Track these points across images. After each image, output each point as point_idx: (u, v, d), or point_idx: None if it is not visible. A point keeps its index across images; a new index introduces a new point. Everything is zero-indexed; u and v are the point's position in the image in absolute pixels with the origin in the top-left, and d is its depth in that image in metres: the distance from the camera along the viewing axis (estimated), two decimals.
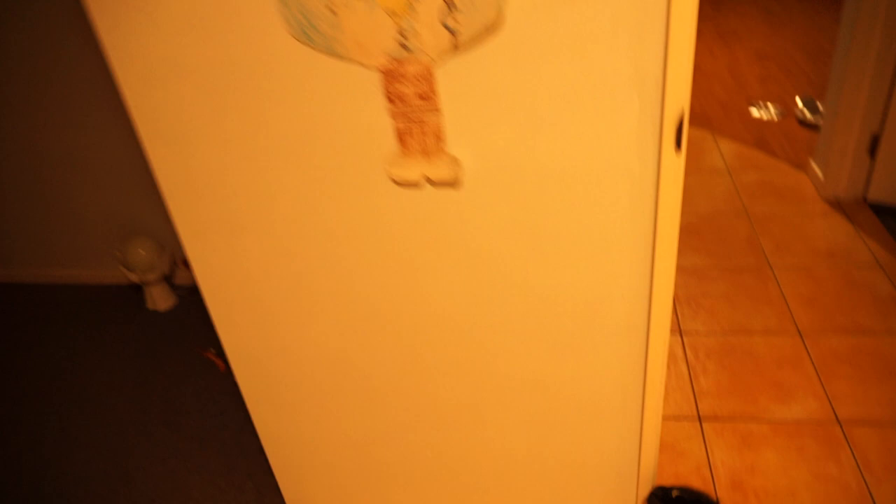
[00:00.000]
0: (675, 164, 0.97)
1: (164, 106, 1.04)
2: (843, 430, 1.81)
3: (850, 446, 1.77)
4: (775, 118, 3.44)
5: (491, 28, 0.90)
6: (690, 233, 2.66)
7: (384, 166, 1.04)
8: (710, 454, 1.80)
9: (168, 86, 1.01)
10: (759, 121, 3.44)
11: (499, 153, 1.01)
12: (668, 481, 1.73)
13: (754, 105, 3.58)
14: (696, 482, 1.73)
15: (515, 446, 1.40)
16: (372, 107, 0.99)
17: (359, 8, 0.90)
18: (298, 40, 0.94)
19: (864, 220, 2.61)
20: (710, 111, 3.59)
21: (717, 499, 1.67)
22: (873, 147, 2.60)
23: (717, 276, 2.42)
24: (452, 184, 1.05)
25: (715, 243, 2.59)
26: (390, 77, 0.96)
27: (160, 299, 2.64)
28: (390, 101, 0.98)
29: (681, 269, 2.47)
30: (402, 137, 1.02)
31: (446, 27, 0.90)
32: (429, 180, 1.05)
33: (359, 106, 1.00)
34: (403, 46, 0.93)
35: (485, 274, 1.14)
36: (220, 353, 2.34)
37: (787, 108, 3.51)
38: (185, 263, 2.27)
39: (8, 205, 2.69)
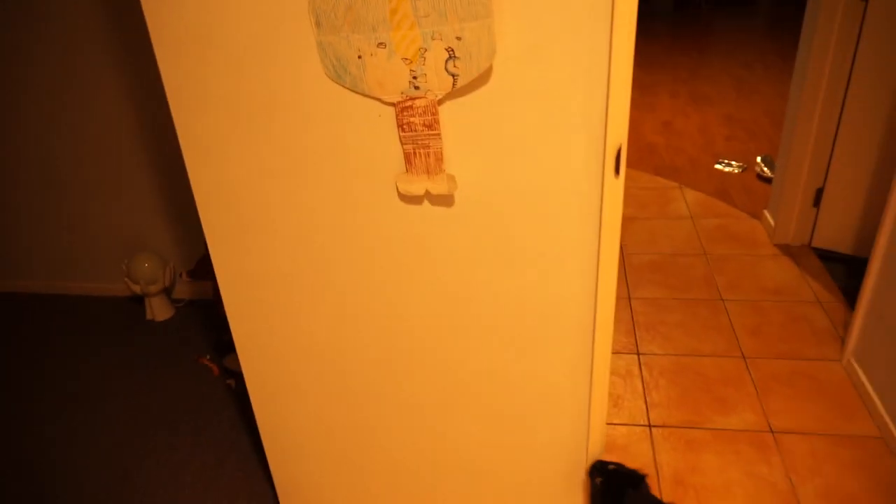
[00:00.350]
0: (614, 186, 1.22)
1: (207, 130, 1.28)
2: (774, 438, 2.04)
3: (779, 451, 1.99)
4: (737, 172, 3.76)
5: (483, 76, 1.16)
6: (653, 269, 2.92)
7: (394, 182, 1.29)
8: (656, 455, 2.01)
9: (212, 112, 1.26)
10: (723, 174, 3.76)
11: (483, 174, 1.26)
12: None
13: (719, 161, 3.91)
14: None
15: (481, 431, 1.60)
16: (386, 134, 1.24)
17: (381, 55, 1.16)
18: (332, 80, 1.20)
19: (808, 264, 2.89)
20: (680, 164, 3.91)
21: (661, 496, 1.87)
22: (817, 199, 2.90)
23: (675, 306, 2.67)
24: (450, 197, 1.29)
25: (674, 278, 2.84)
26: (402, 110, 1.22)
27: (159, 311, 2.84)
28: (401, 129, 1.24)
29: (642, 300, 2.72)
30: (409, 159, 1.27)
31: (449, 72, 1.17)
32: (429, 195, 1.30)
33: (375, 133, 1.25)
34: (415, 86, 1.19)
35: (462, 279, 1.38)
36: (215, 360, 2.53)
37: (748, 165, 3.83)
38: (189, 274, 2.48)
39: (24, 222, 2.90)
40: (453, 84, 1.17)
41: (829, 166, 2.82)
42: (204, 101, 1.26)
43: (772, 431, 2.06)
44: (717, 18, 7.26)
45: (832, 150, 2.78)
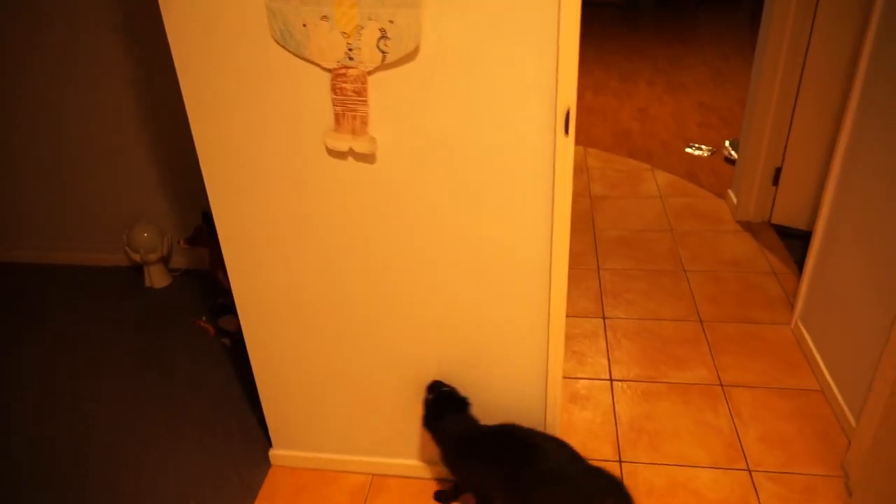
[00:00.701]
0: (565, 144, 1.40)
1: (210, 91, 1.45)
2: (723, 390, 2.24)
3: (727, 401, 2.19)
4: (706, 156, 3.96)
5: (410, 55, 1.34)
6: (622, 243, 3.11)
7: (322, 138, 1.47)
8: (616, 405, 2.20)
9: (207, 81, 1.43)
10: (693, 157, 3.95)
11: (409, 134, 1.44)
12: (580, 425, 2.13)
13: (690, 145, 4.10)
14: (603, 424, 2.13)
15: (451, 365, 1.79)
16: (322, 95, 1.42)
17: (323, 26, 1.33)
18: (278, 43, 1.38)
19: (766, 239, 3.09)
20: (652, 148, 4.10)
21: (618, 441, 2.06)
22: (776, 178, 3.10)
23: (640, 276, 2.87)
24: (371, 157, 1.48)
25: (641, 252, 3.04)
26: (337, 77, 1.40)
27: (157, 279, 3.00)
28: (334, 92, 1.42)
29: (610, 270, 2.91)
30: (337, 119, 1.45)
31: (380, 49, 1.35)
32: (353, 152, 1.48)
33: (313, 93, 1.42)
34: (349, 57, 1.37)
35: (426, 225, 1.56)
36: (210, 321, 2.71)
37: (717, 149, 4.03)
38: (186, 242, 2.63)
39: (30, 194, 3.05)
40: (382, 60, 1.36)
41: (786, 147, 3.02)
42: (208, 65, 1.43)
43: (721, 385, 2.26)
44: (701, 13, 7.45)
45: (789, 132, 2.97)
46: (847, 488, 1.86)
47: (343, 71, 1.38)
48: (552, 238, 1.52)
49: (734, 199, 3.29)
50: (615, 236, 3.17)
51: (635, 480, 1.93)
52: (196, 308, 2.83)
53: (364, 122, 1.44)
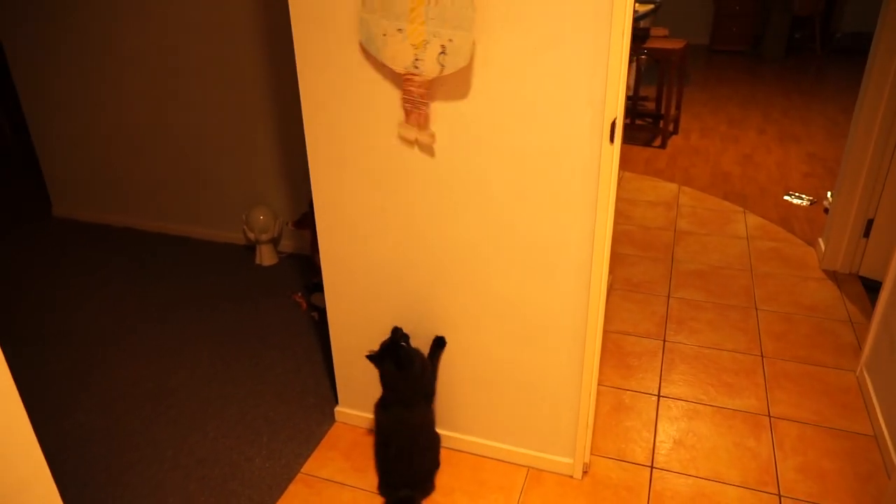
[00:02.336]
0: (609, 151, 1.59)
1: (321, 85, 1.77)
2: (770, 421, 2.27)
3: (771, 431, 2.22)
4: (805, 204, 3.92)
5: (464, 70, 1.60)
6: (698, 276, 3.17)
7: (385, 127, 1.75)
8: (658, 418, 2.30)
9: (319, 77, 1.75)
10: (790, 205, 3.92)
11: (462, 133, 1.67)
12: (618, 430, 2.25)
13: (789, 193, 4.07)
14: (641, 432, 2.23)
15: (500, 352, 1.98)
16: (395, 93, 1.70)
17: (398, 37, 1.61)
18: (362, 46, 1.67)
19: (850, 289, 3.04)
20: (749, 192, 4.10)
21: (654, 452, 2.16)
22: (867, 230, 3.06)
23: (709, 308, 2.92)
24: (431, 149, 1.73)
25: (715, 286, 3.09)
26: (405, 80, 1.67)
27: (266, 257, 3.40)
28: (404, 92, 1.68)
29: (679, 299, 2.99)
30: (406, 114, 1.72)
31: (439, 62, 1.60)
32: (417, 142, 1.73)
33: (389, 90, 1.70)
34: (416, 66, 1.63)
35: (492, 215, 1.78)
36: (304, 297, 3.05)
37: (818, 199, 3.97)
38: (294, 224, 3.00)
39: (172, 178, 3.57)
40: (441, 71, 1.61)
41: (880, 199, 2.98)
42: (322, 63, 1.75)
43: (769, 416, 2.30)
44: (828, 66, 7.24)
45: (884, 184, 2.94)
46: None
47: (410, 76, 1.65)
48: (594, 235, 1.69)
49: (823, 248, 3.25)
50: (692, 269, 3.24)
51: (662, 485, 2.03)
52: (294, 285, 3.19)
53: (427, 119, 1.70)
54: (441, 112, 1.70)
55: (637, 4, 4.67)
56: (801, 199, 3.99)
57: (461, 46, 1.56)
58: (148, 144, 3.54)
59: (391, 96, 1.73)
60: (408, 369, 1.90)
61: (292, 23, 1.74)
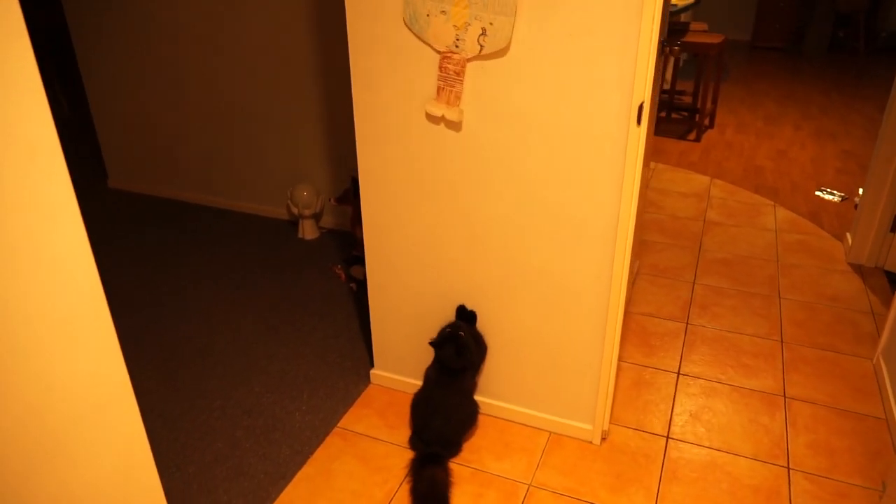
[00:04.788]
0: (636, 132, 1.71)
1: (369, 63, 1.92)
2: (785, 401, 2.37)
3: (785, 410, 2.32)
4: (836, 200, 3.95)
5: (501, 51, 1.71)
6: (723, 264, 3.26)
7: (423, 104, 1.88)
8: (676, 393, 2.41)
9: (368, 57, 1.89)
10: (821, 200, 3.96)
11: (491, 111, 1.80)
12: (637, 402, 2.37)
13: (821, 189, 4.10)
14: (659, 405, 2.35)
15: (528, 321, 2.12)
16: (431, 70, 1.83)
17: (441, 18, 1.74)
18: (406, 25, 1.80)
19: (875, 282, 3.10)
20: (780, 187, 4.15)
21: (670, 427, 2.28)
22: (895, 225, 3.10)
23: (732, 294, 3.01)
24: (458, 125, 1.86)
25: (741, 274, 3.17)
26: (444, 58, 1.80)
27: (308, 231, 3.58)
28: (440, 69, 1.82)
29: (703, 286, 3.08)
30: (438, 91, 1.85)
31: (479, 43, 1.73)
32: (444, 119, 1.87)
33: (425, 68, 1.84)
34: (456, 45, 1.76)
35: (524, 190, 1.91)
36: (344, 269, 3.22)
37: (850, 196, 4.00)
38: (336, 200, 3.17)
39: (224, 154, 3.76)
40: (479, 51, 1.75)
41: None
42: (370, 44, 1.90)
43: (784, 396, 2.39)
44: (871, 64, 7.16)
45: None
46: (880, 501, 1.96)
47: (449, 55, 1.79)
48: (619, 211, 1.81)
49: (850, 241, 3.31)
50: (718, 258, 3.32)
51: (677, 454, 2.15)
52: (334, 258, 3.36)
53: (458, 97, 1.84)
54: (476, 91, 1.83)
55: None
56: (833, 195, 4.03)
57: (501, 29, 1.69)
58: (199, 120, 3.74)
59: (431, 77, 1.87)
60: (465, 357, 2.08)
61: (346, 7, 1.89)
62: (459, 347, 2.06)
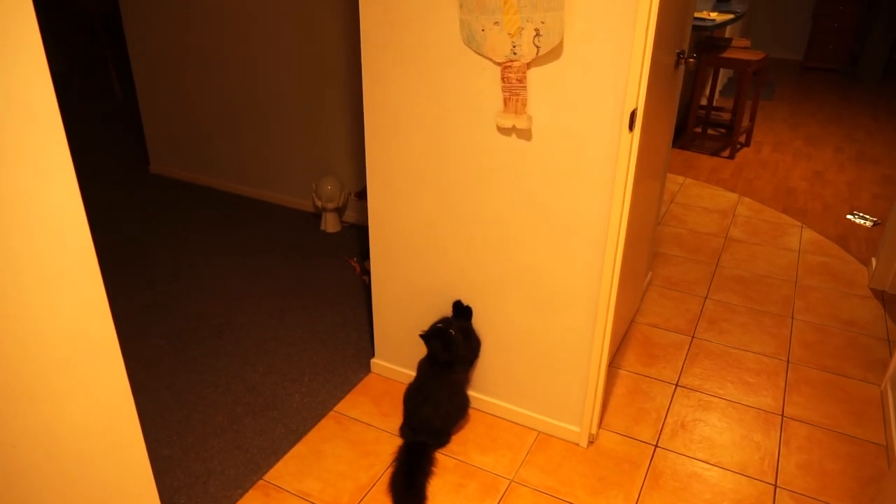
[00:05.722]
0: (628, 137, 1.73)
1: (380, 63, 1.99)
2: (782, 420, 2.34)
3: (781, 429, 2.29)
4: (868, 225, 3.86)
5: (556, 49, 1.74)
6: (738, 281, 3.22)
7: (493, 118, 1.91)
8: (672, 404, 2.41)
9: (385, 52, 1.97)
10: (851, 224, 3.87)
11: (546, 117, 1.84)
12: (629, 410, 2.37)
13: (853, 213, 4.01)
14: (651, 414, 2.35)
15: (520, 320, 2.16)
16: (492, 83, 1.87)
17: (495, 30, 1.78)
18: (465, 43, 1.85)
19: (895, 309, 3.02)
20: (810, 208, 4.07)
21: (660, 435, 2.28)
22: None
23: (743, 312, 2.98)
24: (527, 132, 1.88)
25: (755, 292, 3.13)
26: (504, 68, 1.83)
27: (330, 225, 3.69)
28: (503, 81, 1.85)
29: (715, 301, 3.06)
30: (505, 102, 1.87)
31: (535, 45, 1.76)
32: (515, 129, 1.90)
33: (485, 82, 1.88)
34: (513, 52, 1.80)
35: (519, 190, 1.96)
36: (359, 262, 3.30)
37: (882, 221, 3.90)
38: (357, 195, 3.26)
39: (254, 147, 3.91)
40: (537, 53, 1.76)
41: None
42: (383, 45, 1.97)
43: (782, 416, 2.36)
44: None
45: None
46: None
47: (509, 64, 1.82)
48: (609, 215, 1.84)
49: (874, 266, 3.23)
50: (735, 275, 3.29)
51: (662, 463, 2.15)
52: (351, 251, 3.45)
53: (524, 104, 1.85)
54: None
55: (716, 14, 4.67)
56: (865, 219, 3.93)
57: (553, 25, 1.71)
58: (235, 111, 3.89)
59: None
60: (452, 350, 2.13)
61: (360, 7, 1.97)
62: (446, 342, 2.11)
